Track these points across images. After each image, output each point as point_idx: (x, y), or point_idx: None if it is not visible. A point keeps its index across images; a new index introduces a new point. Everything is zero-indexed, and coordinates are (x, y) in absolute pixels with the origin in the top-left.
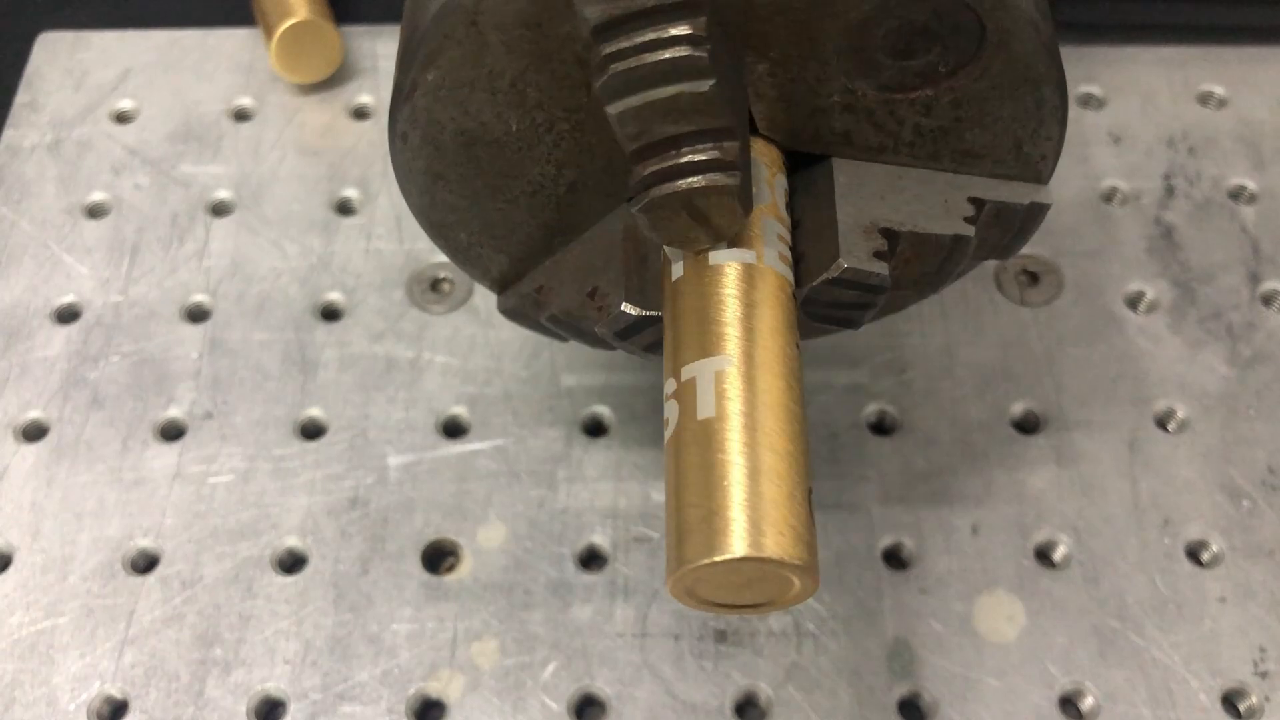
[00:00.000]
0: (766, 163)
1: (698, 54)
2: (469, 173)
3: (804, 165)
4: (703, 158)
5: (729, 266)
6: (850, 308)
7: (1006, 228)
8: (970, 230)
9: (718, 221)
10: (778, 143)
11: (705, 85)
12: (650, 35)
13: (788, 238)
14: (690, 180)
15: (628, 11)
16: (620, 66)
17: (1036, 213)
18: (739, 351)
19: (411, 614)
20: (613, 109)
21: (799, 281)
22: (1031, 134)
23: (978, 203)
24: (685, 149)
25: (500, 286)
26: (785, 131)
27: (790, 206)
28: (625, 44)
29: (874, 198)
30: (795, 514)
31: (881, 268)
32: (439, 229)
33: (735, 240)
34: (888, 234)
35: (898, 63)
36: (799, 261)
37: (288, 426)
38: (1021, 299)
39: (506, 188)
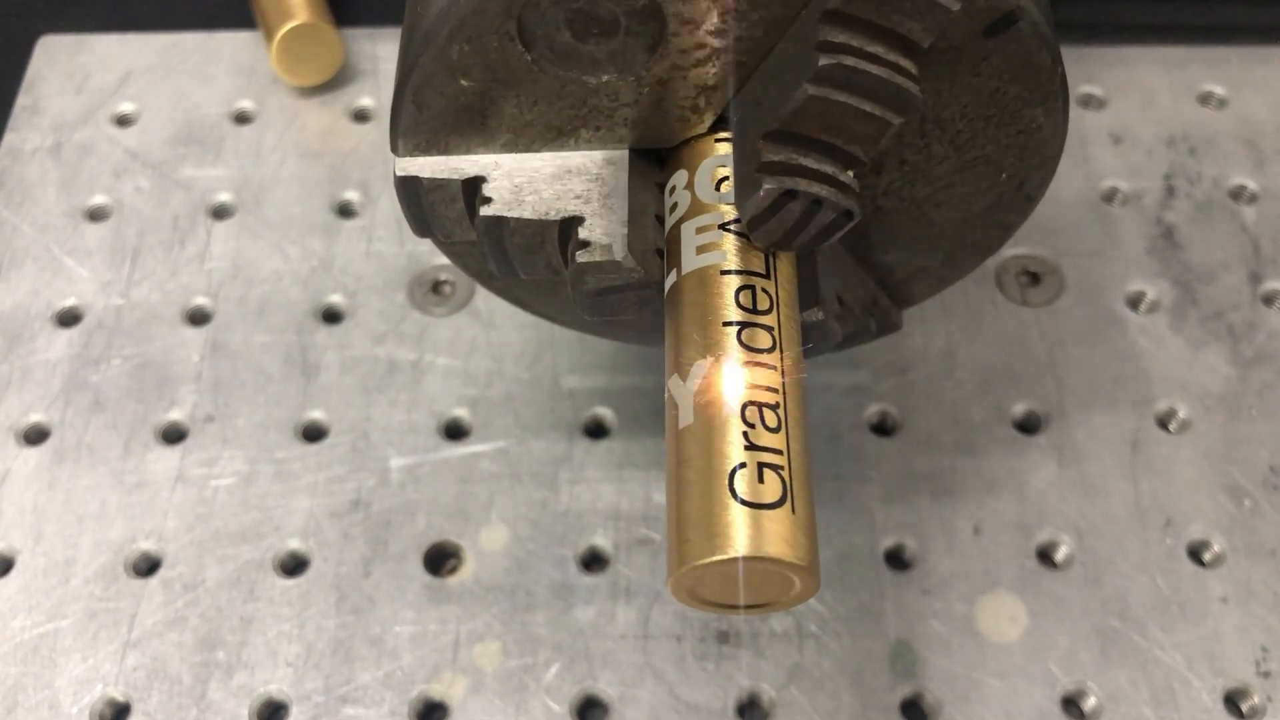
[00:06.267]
0: (692, 165)
1: (481, 216)
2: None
3: None
4: (568, 254)
5: (674, 285)
6: (814, 214)
7: None
8: (820, 40)
9: (607, 284)
10: (706, 134)
11: (518, 222)
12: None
13: (717, 221)
14: (568, 275)
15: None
16: (484, 250)
17: None
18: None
19: (414, 616)
20: (521, 275)
21: None
22: None
23: (830, 15)
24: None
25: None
26: (693, 129)
27: None
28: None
29: (763, 109)
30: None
31: (777, 179)
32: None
33: (671, 263)
34: (779, 135)
35: (609, 38)
36: None
37: (289, 429)
38: (1023, 299)
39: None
